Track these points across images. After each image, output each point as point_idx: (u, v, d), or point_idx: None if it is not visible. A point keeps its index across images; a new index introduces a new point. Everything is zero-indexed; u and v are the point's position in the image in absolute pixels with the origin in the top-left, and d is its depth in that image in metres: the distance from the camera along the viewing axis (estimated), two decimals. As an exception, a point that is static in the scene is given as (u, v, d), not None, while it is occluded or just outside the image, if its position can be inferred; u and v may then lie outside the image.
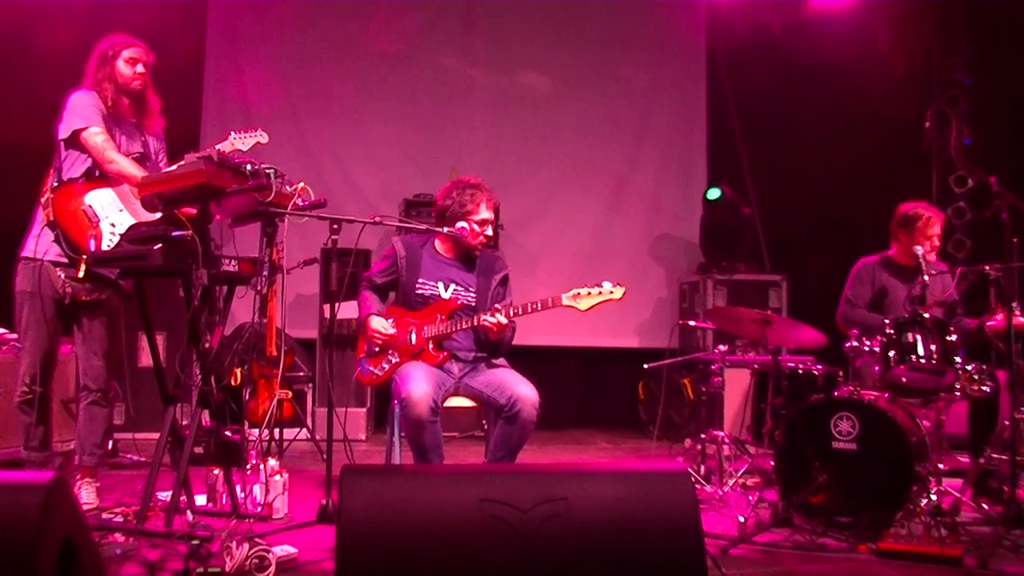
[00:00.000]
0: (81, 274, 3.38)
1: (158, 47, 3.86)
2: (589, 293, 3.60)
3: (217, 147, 3.64)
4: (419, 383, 3.46)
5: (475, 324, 3.69)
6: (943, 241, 4.69)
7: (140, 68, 3.71)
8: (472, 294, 3.88)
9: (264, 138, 3.79)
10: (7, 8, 6.00)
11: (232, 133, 3.73)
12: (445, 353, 3.75)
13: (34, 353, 3.57)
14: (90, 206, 3.51)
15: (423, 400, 3.40)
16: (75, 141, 3.57)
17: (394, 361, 3.75)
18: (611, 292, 3.61)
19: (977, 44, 6.98)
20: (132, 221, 3.52)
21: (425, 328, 3.76)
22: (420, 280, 3.86)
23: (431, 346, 3.74)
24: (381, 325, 3.79)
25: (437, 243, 3.98)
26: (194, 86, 6.91)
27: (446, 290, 3.86)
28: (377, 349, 3.81)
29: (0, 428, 4.44)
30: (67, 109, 3.60)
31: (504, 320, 3.63)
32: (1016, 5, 6.55)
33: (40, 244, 3.53)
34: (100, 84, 3.65)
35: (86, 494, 3.57)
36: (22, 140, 5.09)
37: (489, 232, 3.91)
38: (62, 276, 3.53)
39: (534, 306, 3.62)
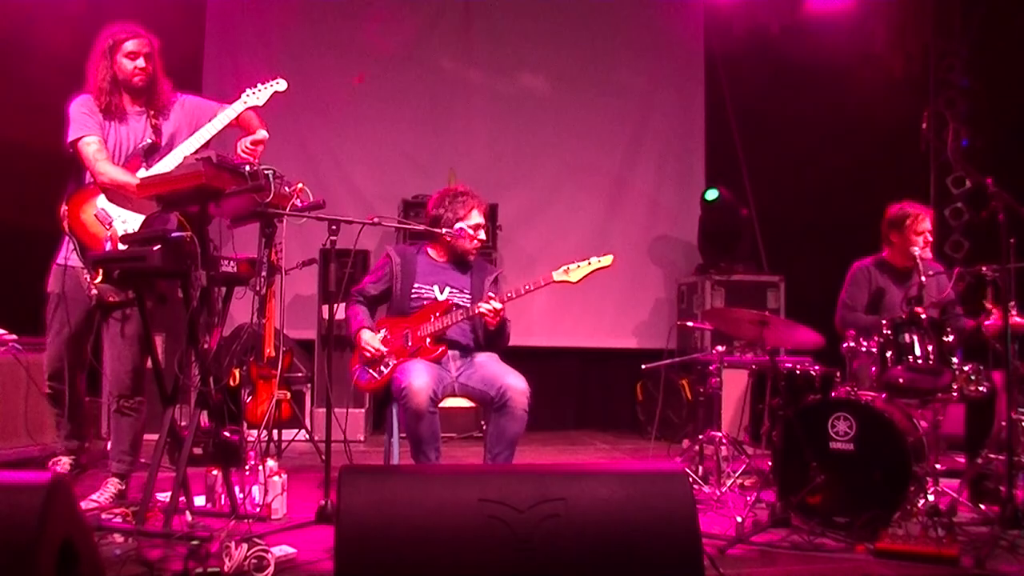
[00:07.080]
0: (100, 279, 3.38)
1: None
2: (579, 266, 3.70)
3: (229, 108, 3.66)
4: (419, 375, 3.52)
5: (471, 314, 3.72)
6: (940, 241, 4.69)
7: (141, 63, 3.64)
8: (467, 295, 3.92)
9: (282, 85, 3.70)
10: (5, 7, 5.98)
11: (247, 90, 3.68)
12: (443, 347, 3.77)
13: (53, 351, 3.64)
14: (102, 209, 3.55)
15: (423, 390, 3.44)
16: (76, 151, 3.60)
17: (392, 364, 3.76)
18: (599, 261, 3.69)
19: (974, 45, 6.99)
20: (140, 218, 3.53)
21: (420, 327, 3.78)
22: (416, 284, 3.90)
23: (428, 342, 3.77)
24: (372, 339, 3.80)
25: (430, 249, 4.02)
26: (192, 87, 6.89)
27: (441, 292, 3.90)
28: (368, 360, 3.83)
29: (0, 429, 4.44)
30: (68, 117, 3.62)
31: (498, 305, 3.66)
32: (1012, 6, 6.56)
33: (66, 250, 3.60)
34: (100, 83, 3.62)
35: (106, 489, 3.62)
36: (20, 141, 5.09)
37: (482, 236, 3.97)
38: (88, 278, 3.54)
39: (527, 287, 3.66)
